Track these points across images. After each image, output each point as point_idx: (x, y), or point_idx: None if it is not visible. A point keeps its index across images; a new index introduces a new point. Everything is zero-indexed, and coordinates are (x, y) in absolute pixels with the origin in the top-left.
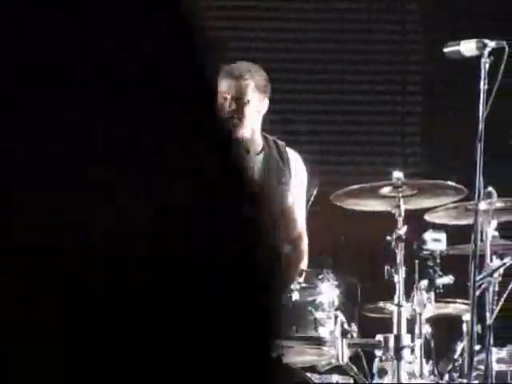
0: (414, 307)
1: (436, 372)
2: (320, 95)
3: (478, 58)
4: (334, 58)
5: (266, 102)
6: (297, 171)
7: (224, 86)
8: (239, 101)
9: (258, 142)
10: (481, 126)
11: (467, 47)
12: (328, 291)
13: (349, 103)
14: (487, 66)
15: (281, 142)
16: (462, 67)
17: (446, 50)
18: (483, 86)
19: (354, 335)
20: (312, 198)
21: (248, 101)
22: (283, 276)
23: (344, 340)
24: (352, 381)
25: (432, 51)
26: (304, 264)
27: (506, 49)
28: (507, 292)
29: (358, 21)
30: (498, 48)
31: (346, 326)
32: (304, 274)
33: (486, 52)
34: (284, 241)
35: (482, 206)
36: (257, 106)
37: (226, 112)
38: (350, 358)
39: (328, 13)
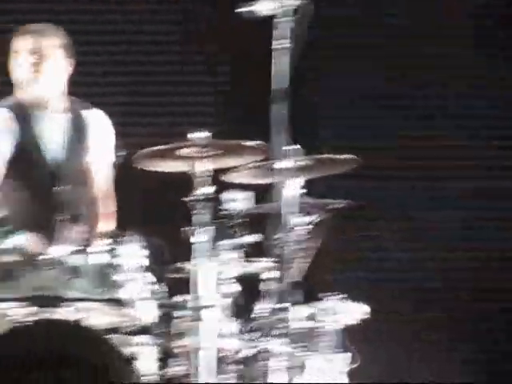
0: (216, 266)
1: (239, 331)
2: (120, 56)
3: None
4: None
5: (70, 62)
6: (101, 130)
7: (22, 43)
8: (38, 55)
9: (61, 103)
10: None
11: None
12: (131, 253)
13: (149, 64)
14: (287, 25)
15: (85, 103)
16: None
17: (240, 8)
18: (277, 45)
19: (162, 295)
20: (120, 160)
21: (46, 56)
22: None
23: (149, 301)
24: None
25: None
26: (112, 221)
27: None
28: (311, 251)
29: None
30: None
31: (154, 286)
32: (107, 236)
33: (280, 11)
34: (86, 200)
35: (286, 163)
36: (58, 64)
37: (23, 68)
38: (159, 319)
39: None
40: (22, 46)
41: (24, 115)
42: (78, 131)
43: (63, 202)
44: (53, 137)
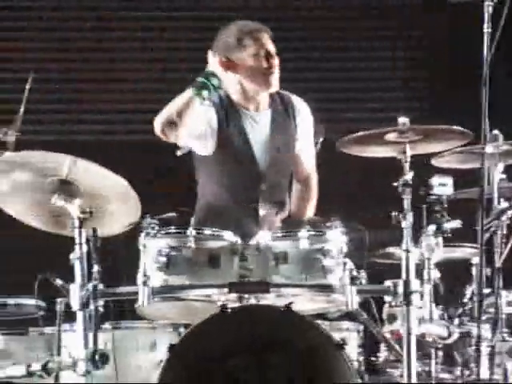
0: (423, 252)
1: (446, 316)
2: (324, 42)
3: (482, 1)
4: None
5: None
6: (302, 118)
7: (262, 42)
8: (274, 54)
9: (265, 99)
10: (485, 69)
11: None
12: (336, 238)
13: (351, 49)
14: (490, 9)
15: (285, 93)
16: (462, 14)
17: None
18: (487, 29)
19: (363, 281)
20: (319, 146)
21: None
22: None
23: (353, 287)
24: (362, 327)
25: None
26: (315, 199)
27: None
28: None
29: None
30: None
31: (354, 272)
32: (311, 222)
33: None
34: (296, 182)
35: (489, 149)
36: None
37: (270, 70)
38: (360, 305)
39: None
40: (268, 46)
41: (231, 112)
42: (285, 124)
43: (268, 194)
44: (260, 135)
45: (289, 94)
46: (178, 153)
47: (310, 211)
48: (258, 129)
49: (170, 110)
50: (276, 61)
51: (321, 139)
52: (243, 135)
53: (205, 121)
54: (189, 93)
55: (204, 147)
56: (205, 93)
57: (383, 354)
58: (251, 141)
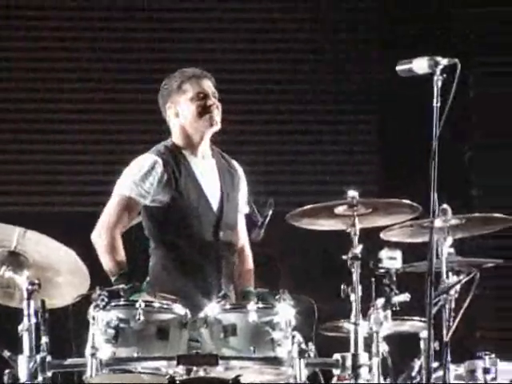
0: (371, 325)
1: None
2: (274, 115)
3: (431, 75)
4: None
5: None
6: (242, 182)
7: (201, 85)
8: (215, 97)
9: (207, 148)
10: (434, 143)
11: (419, 65)
12: (285, 311)
13: (303, 123)
14: (439, 83)
15: (225, 154)
16: (415, 84)
17: (398, 67)
18: (436, 103)
19: (312, 355)
20: (268, 219)
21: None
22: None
23: (302, 360)
24: None
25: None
26: (251, 272)
27: (459, 66)
28: (463, 309)
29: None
30: (451, 65)
31: (303, 345)
32: (259, 295)
33: (438, 69)
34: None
35: (438, 223)
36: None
37: (208, 108)
38: (308, 378)
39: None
40: (206, 89)
41: (180, 160)
42: (230, 178)
43: (223, 254)
44: (211, 182)
45: (229, 156)
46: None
47: (251, 283)
48: (207, 175)
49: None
50: (215, 101)
51: (270, 212)
52: (195, 181)
53: (152, 182)
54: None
55: (159, 201)
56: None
57: None
58: (203, 187)
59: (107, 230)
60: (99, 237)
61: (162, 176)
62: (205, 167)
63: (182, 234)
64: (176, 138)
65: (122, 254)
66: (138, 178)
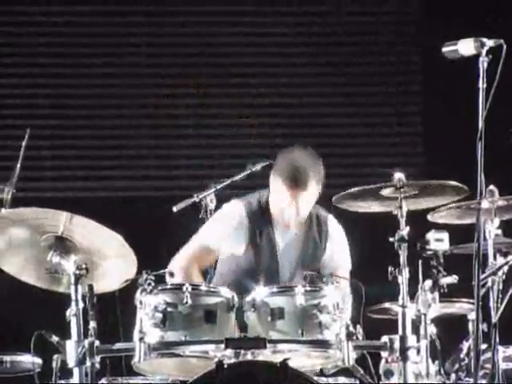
0: (419, 308)
1: (442, 372)
2: (319, 98)
3: (477, 56)
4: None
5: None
6: (335, 240)
7: (288, 192)
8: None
9: (303, 220)
10: (481, 124)
11: (465, 46)
12: (332, 294)
13: (348, 105)
14: (485, 64)
15: (323, 214)
16: (461, 67)
17: (444, 49)
18: (482, 84)
19: (360, 337)
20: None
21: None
22: None
23: (349, 342)
24: (358, 382)
25: (431, 51)
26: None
27: (504, 47)
28: (511, 290)
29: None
30: (496, 46)
31: (351, 328)
32: (309, 278)
33: (483, 51)
34: None
35: (485, 204)
36: (314, 196)
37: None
38: (356, 360)
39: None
40: (287, 193)
41: (265, 217)
42: (315, 246)
43: None
44: (290, 253)
45: (326, 215)
46: (175, 209)
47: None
48: (288, 248)
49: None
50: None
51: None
52: (273, 251)
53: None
54: None
55: (233, 250)
56: None
57: None
58: (279, 257)
59: (183, 257)
60: (174, 260)
61: (242, 222)
62: (288, 238)
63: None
64: (272, 202)
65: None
66: (221, 228)
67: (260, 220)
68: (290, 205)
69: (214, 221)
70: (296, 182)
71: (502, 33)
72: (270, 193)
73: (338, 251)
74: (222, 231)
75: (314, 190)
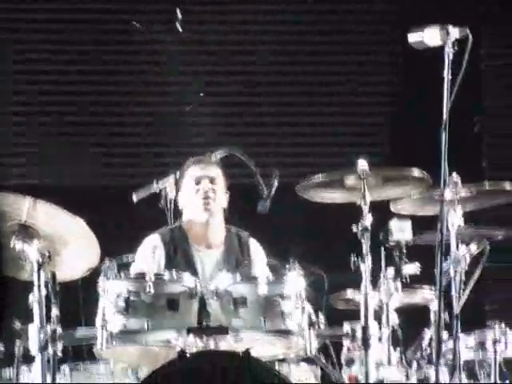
0: (381, 296)
1: (404, 360)
2: (282, 86)
3: (442, 48)
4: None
5: (227, 196)
6: (257, 260)
7: (198, 171)
8: (214, 183)
9: (220, 235)
10: (445, 114)
11: (431, 35)
12: (295, 283)
13: (311, 94)
14: (451, 55)
15: (244, 234)
16: (428, 56)
17: (410, 36)
18: (447, 75)
19: (322, 326)
20: (273, 190)
21: (219, 184)
22: None
23: (312, 331)
24: (320, 371)
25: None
26: None
27: (470, 37)
28: (473, 280)
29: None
30: (462, 37)
31: (313, 316)
32: (269, 267)
33: (449, 41)
34: None
35: (448, 194)
36: (223, 196)
37: (202, 193)
38: (318, 349)
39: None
40: (198, 173)
41: (179, 240)
42: (236, 262)
43: None
44: (210, 268)
45: (247, 234)
46: (134, 197)
47: None
48: (208, 267)
49: None
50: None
51: (276, 183)
52: (190, 264)
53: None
54: None
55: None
56: None
57: None
58: (199, 271)
59: None
60: None
61: (157, 246)
62: (206, 259)
63: None
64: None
65: None
66: (143, 255)
67: (175, 239)
68: (199, 192)
69: (138, 253)
70: (200, 164)
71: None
72: (183, 197)
73: (258, 266)
74: (145, 257)
75: (219, 178)
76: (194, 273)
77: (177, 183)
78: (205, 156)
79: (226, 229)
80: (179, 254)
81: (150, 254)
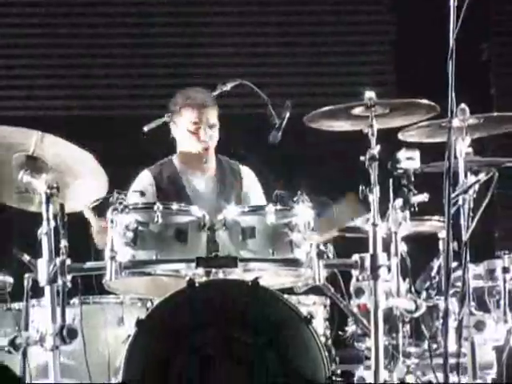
0: (390, 226)
1: (413, 290)
2: (288, 17)
3: None
4: None
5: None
6: (250, 184)
7: (195, 114)
8: (212, 127)
9: (212, 163)
10: (451, 42)
11: None
12: (303, 212)
13: (318, 24)
14: None
15: (234, 161)
16: None
17: None
18: (453, 2)
19: (330, 256)
20: (285, 121)
21: (216, 126)
22: None
23: (320, 261)
24: (329, 301)
25: None
26: None
27: None
28: (482, 208)
29: None
30: None
31: (321, 246)
32: (279, 197)
33: None
34: None
35: (456, 122)
36: (217, 132)
37: (199, 137)
38: (327, 279)
39: None
40: (195, 117)
41: (175, 176)
42: (231, 189)
43: None
44: (204, 197)
45: (237, 162)
46: (145, 128)
47: None
48: (206, 190)
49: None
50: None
51: (287, 114)
52: (181, 194)
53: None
54: None
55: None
56: None
57: (350, 327)
58: (192, 199)
59: None
60: None
61: (150, 182)
62: (199, 182)
63: None
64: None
65: None
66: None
67: (165, 172)
68: (198, 124)
69: (131, 189)
70: (197, 99)
71: None
72: (178, 131)
73: (253, 190)
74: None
75: (216, 119)
76: (188, 201)
77: (172, 115)
78: (206, 91)
79: (217, 157)
80: (170, 185)
81: (143, 190)
